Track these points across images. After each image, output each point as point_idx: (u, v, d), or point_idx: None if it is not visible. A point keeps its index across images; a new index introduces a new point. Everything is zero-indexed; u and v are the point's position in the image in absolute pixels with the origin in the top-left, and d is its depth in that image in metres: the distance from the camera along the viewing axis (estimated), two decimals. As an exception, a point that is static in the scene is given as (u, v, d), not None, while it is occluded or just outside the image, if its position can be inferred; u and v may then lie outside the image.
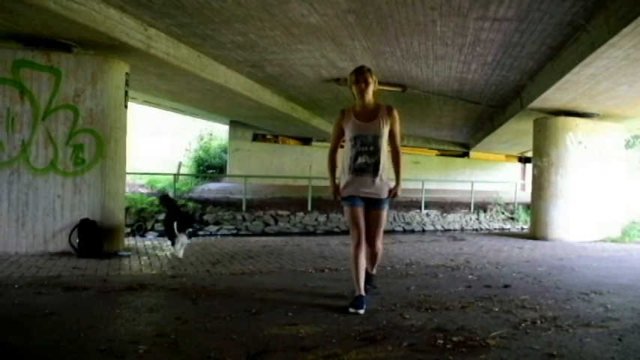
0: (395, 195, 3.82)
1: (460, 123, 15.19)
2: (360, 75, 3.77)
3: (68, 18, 5.08)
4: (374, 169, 3.73)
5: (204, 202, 13.53)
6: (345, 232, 12.51)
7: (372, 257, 3.97)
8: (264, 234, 12.01)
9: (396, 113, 3.80)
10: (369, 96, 3.78)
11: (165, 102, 14.12)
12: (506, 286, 4.71)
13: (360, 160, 3.73)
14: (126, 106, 6.65)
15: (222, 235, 11.69)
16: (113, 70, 6.39)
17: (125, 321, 3.31)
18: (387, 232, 12.54)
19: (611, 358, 2.74)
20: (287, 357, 2.67)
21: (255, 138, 19.97)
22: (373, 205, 3.79)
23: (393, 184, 3.84)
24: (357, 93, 3.79)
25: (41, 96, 5.98)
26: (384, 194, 3.77)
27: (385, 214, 3.86)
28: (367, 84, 3.74)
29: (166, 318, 3.39)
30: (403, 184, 3.87)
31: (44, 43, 5.95)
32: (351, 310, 3.57)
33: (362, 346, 2.84)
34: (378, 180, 3.74)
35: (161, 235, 10.85)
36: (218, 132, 22.65)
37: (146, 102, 14.35)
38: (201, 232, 11.66)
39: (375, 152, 3.73)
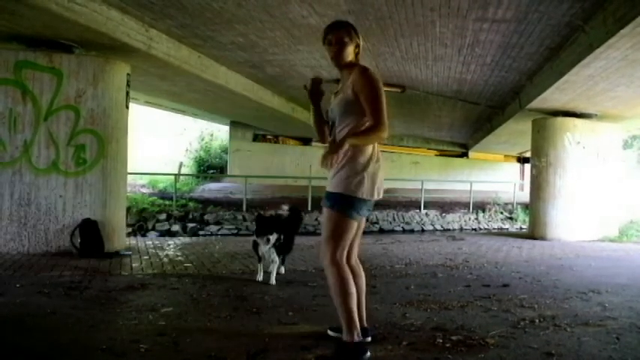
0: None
1: (459, 123, 15.20)
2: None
3: (70, 19, 5.11)
4: None
5: (204, 202, 13.58)
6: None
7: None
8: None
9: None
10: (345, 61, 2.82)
11: (166, 102, 14.16)
12: (505, 286, 4.74)
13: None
14: (127, 107, 6.68)
15: (222, 234, 11.70)
16: (114, 70, 6.42)
17: (126, 320, 3.33)
18: (386, 232, 12.74)
19: (609, 356, 2.77)
20: (287, 356, 2.70)
21: (256, 138, 20.02)
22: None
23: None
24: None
25: (43, 96, 6.00)
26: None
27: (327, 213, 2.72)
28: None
29: (167, 317, 3.41)
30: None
31: (46, 44, 5.97)
32: None
33: (361, 344, 2.86)
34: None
35: (161, 234, 10.89)
36: (219, 132, 22.70)
37: (147, 102, 14.39)
38: (201, 232, 11.70)
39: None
